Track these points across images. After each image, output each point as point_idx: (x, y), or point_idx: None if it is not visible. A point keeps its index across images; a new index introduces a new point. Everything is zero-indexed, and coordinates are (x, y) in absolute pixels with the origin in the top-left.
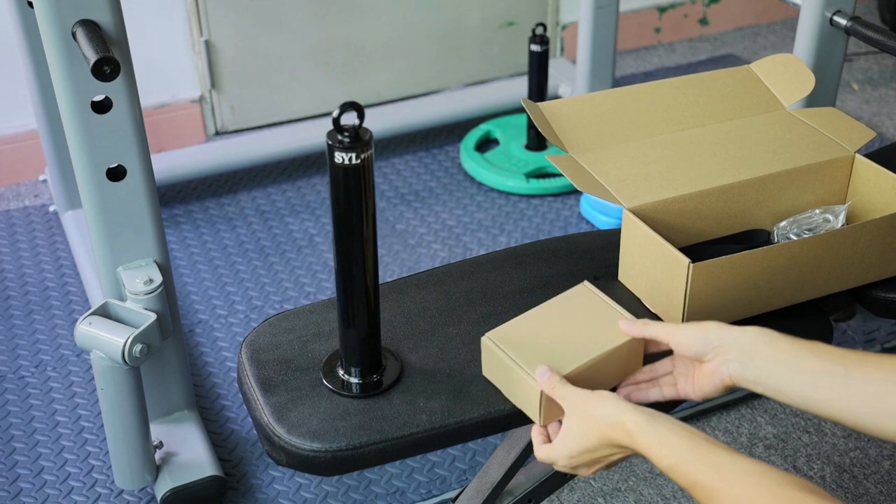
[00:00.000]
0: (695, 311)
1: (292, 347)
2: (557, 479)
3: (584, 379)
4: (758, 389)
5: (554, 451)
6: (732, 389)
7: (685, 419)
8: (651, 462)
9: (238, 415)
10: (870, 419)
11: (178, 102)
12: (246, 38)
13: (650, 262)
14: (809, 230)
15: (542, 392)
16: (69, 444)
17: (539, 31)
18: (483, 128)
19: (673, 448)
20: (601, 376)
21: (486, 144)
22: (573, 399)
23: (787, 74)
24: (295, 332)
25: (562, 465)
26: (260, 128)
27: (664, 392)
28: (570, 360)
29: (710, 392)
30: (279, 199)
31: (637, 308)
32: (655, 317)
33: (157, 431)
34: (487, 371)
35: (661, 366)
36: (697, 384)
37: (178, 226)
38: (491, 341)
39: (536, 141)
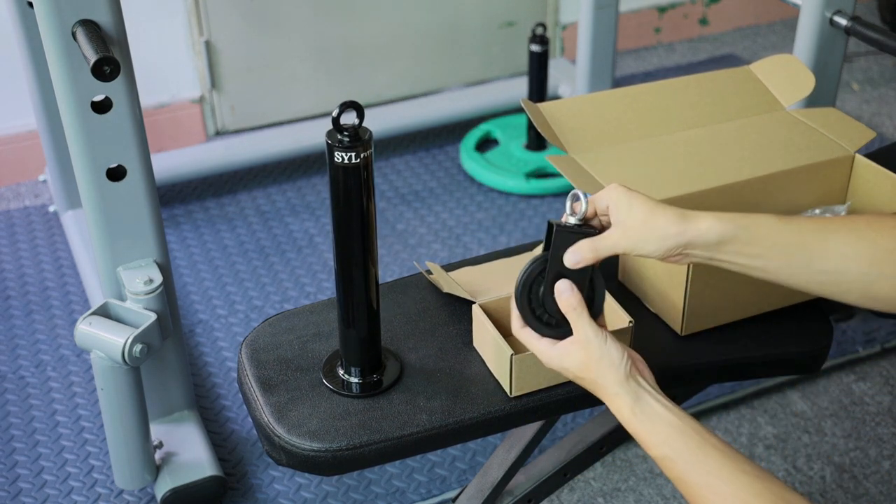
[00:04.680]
0: (695, 311)
1: (292, 347)
2: (557, 479)
3: None
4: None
5: (548, 353)
6: (733, 388)
7: None
8: (640, 444)
9: (238, 415)
10: (832, 291)
11: (178, 102)
12: (246, 38)
13: (650, 262)
14: None
15: (511, 357)
16: (69, 444)
17: (539, 31)
18: (483, 128)
19: (664, 439)
20: None
21: (486, 144)
22: (588, 339)
23: (786, 75)
24: (295, 332)
25: (545, 361)
26: (260, 128)
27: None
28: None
29: (653, 254)
30: (279, 199)
31: (637, 308)
32: (656, 318)
33: (157, 431)
34: (476, 342)
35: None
36: (640, 243)
37: (178, 226)
38: (479, 309)
39: (536, 141)
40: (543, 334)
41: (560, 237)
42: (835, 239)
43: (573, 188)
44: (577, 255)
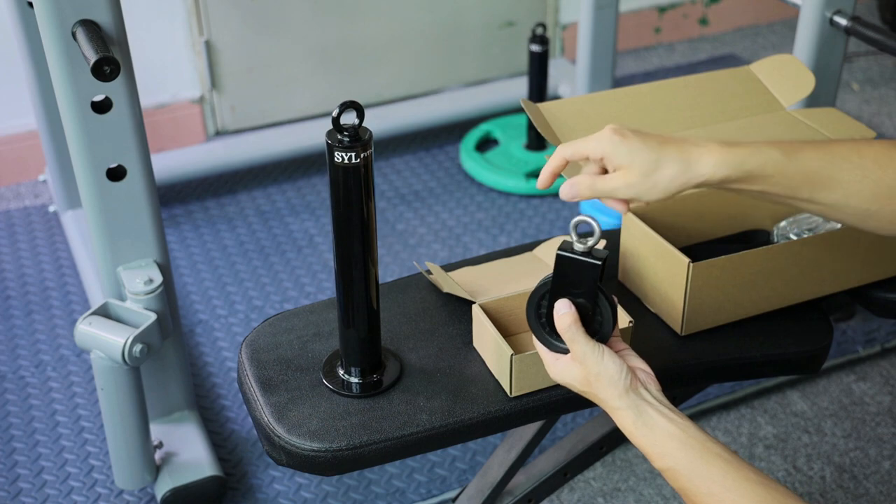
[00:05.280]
0: (695, 311)
1: (292, 347)
2: (557, 479)
3: None
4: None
5: (553, 367)
6: (733, 388)
7: None
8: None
9: (238, 415)
10: (830, 218)
11: (178, 102)
12: (246, 38)
13: (650, 262)
14: (809, 230)
15: (511, 357)
16: (69, 444)
17: (539, 31)
18: (483, 128)
19: (666, 451)
20: None
21: (486, 144)
22: (584, 357)
23: (787, 75)
24: (295, 332)
25: (551, 374)
26: (260, 128)
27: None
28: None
29: (655, 201)
30: (279, 199)
31: (637, 308)
32: (656, 318)
33: (157, 431)
34: (476, 342)
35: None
36: (645, 193)
37: (178, 226)
38: (479, 309)
39: (536, 141)
40: (551, 348)
41: (562, 263)
42: (839, 175)
43: (583, 217)
44: (574, 188)
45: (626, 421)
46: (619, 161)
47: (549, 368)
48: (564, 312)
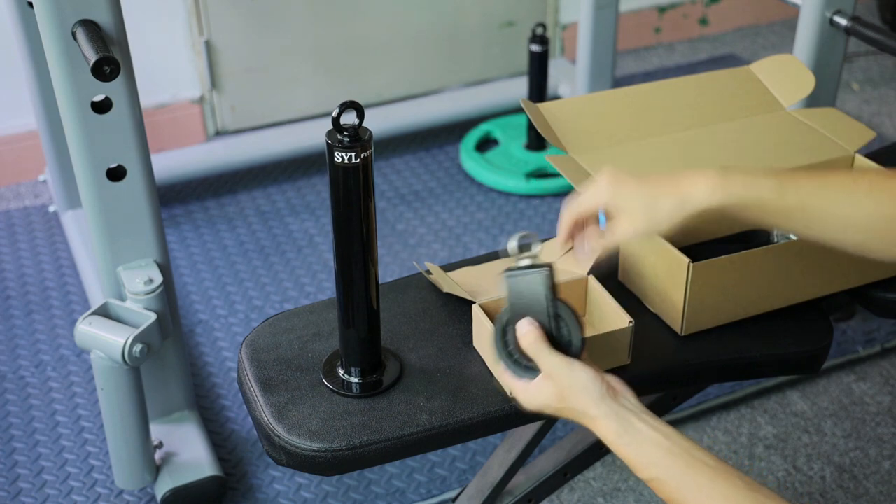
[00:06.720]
0: (695, 311)
1: (292, 347)
2: (557, 479)
3: None
4: None
5: (524, 394)
6: (733, 388)
7: (685, 419)
8: (628, 466)
9: (238, 415)
10: (827, 244)
11: (178, 102)
12: (246, 38)
13: (650, 262)
14: None
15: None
16: (69, 444)
17: (539, 31)
18: (483, 128)
19: (652, 461)
20: None
21: (486, 144)
22: (553, 369)
23: (786, 75)
24: (295, 332)
25: (525, 403)
26: (260, 128)
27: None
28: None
29: (661, 234)
30: (279, 199)
31: (637, 308)
32: (656, 318)
33: (157, 431)
34: (476, 342)
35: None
36: (651, 229)
37: (178, 226)
38: (479, 309)
39: (536, 141)
40: (525, 375)
41: (510, 284)
42: (833, 207)
43: (521, 232)
44: (592, 254)
45: (607, 430)
46: (621, 205)
47: (521, 398)
48: (527, 330)
